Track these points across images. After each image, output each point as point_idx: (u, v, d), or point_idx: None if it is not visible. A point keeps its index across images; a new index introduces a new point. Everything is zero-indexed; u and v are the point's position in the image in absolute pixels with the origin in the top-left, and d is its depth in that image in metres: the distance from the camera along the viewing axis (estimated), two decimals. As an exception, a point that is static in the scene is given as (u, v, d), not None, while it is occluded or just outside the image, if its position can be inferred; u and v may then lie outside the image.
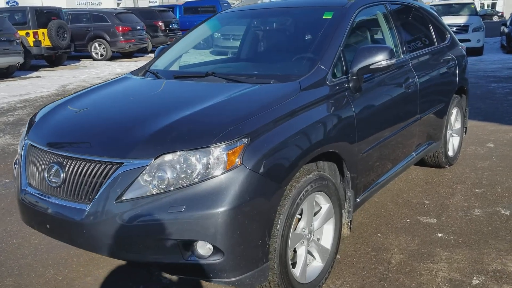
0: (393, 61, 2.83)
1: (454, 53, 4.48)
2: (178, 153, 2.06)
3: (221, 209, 1.99)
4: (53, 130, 2.48)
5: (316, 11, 3.32)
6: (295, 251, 2.54)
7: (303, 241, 2.53)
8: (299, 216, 2.48)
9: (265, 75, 2.83)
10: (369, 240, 3.23)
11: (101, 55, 17.31)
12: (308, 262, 2.67)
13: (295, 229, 2.49)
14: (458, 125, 4.75)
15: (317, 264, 2.68)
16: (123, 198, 2.05)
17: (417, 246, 3.12)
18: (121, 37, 16.95)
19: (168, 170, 2.05)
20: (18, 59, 12.72)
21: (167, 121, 2.22)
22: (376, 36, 3.55)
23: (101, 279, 2.83)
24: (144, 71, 3.34)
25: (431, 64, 3.99)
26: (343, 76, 2.85)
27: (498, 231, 3.27)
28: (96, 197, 2.10)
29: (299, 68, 2.87)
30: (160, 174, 2.05)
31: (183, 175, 2.05)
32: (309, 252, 2.65)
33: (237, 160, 2.07)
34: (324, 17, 3.17)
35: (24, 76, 13.05)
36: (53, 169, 2.26)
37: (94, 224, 2.09)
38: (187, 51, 3.69)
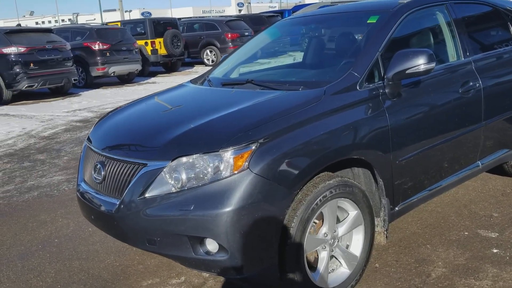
0: (432, 65, 2.72)
1: (542, 53, 4.05)
2: (193, 156, 2.25)
3: (223, 210, 2.14)
4: (102, 133, 2.84)
5: (363, 16, 3.28)
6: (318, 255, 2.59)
7: (325, 246, 2.56)
8: (316, 221, 2.51)
9: (297, 82, 2.90)
10: (416, 251, 3.11)
11: (212, 61, 18.35)
12: (335, 268, 2.69)
13: (316, 234, 2.54)
14: (549, 131, 4.28)
15: (343, 270, 2.68)
16: (145, 195, 2.30)
17: (466, 260, 2.93)
18: (230, 43, 17.78)
19: (182, 171, 2.25)
20: (137, 67, 14.07)
21: (189, 126, 2.42)
22: (431, 39, 3.39)
23: (151, 268, 3.13)
24: (203, 79, 3.59)
25: (505, 66, 3.67)
26: (379, 82, 2.81)
27: None
28: (125, 193, 2.37)
29: (331, 74, 2.89)
30: (176, 175, 2.26)
31: (195, 176, 2.23)
32: (335, 258, 2.67)
33: (244, 164, 2.19)
34: (368, 21, 3.13)
35: (141, 82, 14.40)
36: (97, 168, 2.60)
37: (122, 217, 2.37)
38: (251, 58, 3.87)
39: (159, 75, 16.27)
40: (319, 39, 3.63)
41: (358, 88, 2.72)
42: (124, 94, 11.77)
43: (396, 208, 2.91)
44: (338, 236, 2.62)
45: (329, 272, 2.63)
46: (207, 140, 2.30)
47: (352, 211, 2.66)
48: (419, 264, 2.94)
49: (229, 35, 17.85)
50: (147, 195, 2.30)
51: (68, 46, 11.84)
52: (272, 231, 2.25)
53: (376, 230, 2.88)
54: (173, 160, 2.27)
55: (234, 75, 3.71)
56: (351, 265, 2.68)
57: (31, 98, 11.61)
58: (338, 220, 2.68)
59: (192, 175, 2.24)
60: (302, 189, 2.41)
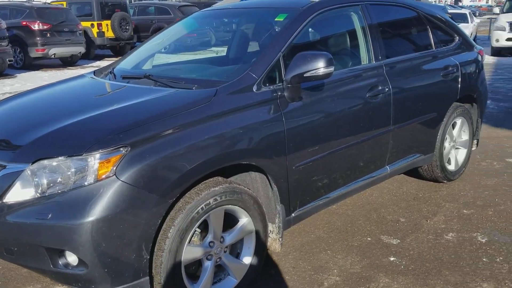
0: (331, 69, 2.62)
1: (459, 58, 4.06)
2: (55, 159, 2.06)
3: (82, 220, 1.96)
4: None
5: (274, 13, 3.15)
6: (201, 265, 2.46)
7: (210, 256, 2.43)
8: (198, 230, 2.38)
9: (194, 80, 2.74)
10: (316, 257, 3.04)
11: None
12: (222, 277, 2.57)
13: (201, 243, 2.41)
14: (465, 136, 4.33)
15: (230, 280, 2.57)
16: (3, 200, 2.09)
17: (361, 268, 2.89)
18: (182, 29, 17.35)
19: (43, 176, 2.05)
20: (80, 49, 13.50)
21: (57, 126, 2.22)
22: (342, 41, 3.31)
23: (35, 273, 2.91)
24: (108, 70, 3.36)
25: (418, 70, 3.64)
26: (279, 84, 2.69)
27: (460, 260, 2.94)
28: None
29: (230, 73, 2.74)
30: (37, 179, 2.06)
31: (57, 182, 2.05)
32: (222, 267, 2.55)
33: (111, 170, 2.02)
34: (276, 19, 3.00)
35: (85, 65, 13.84)
36: None
37: (-19, 222, 2.15)
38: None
39: (106, 58, 15.70)
40: (232, 34, 3.48)
41: (254, 90, 2.59)
42: (63, 78, 11.24)
43: (293, 215, 2.82)
44: (225, 244, 2.50)
45: (215, 283, 2.52)
46: (73, 142, 2.11)
47: (243, 218, 2.54)
48: (315, 272, 2.87)
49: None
50: (5, 200, 2.09)
51: (3, 24, 11.17)
52: (141, 243, 2.09)
53: (271, 237, 2.79)
54: (33, 163, 2.07)
55: (147, 66, 3.51)
56: (239, 274, 2.57)
57: (-39, 78, 10.91)
58: (230, 227, 2.56)
59: (54, 181, 2.05)
60: (184, 196, 2.28)
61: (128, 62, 3.47)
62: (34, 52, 12.47)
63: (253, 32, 3.32)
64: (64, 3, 15.71)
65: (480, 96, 4.37)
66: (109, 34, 15.37)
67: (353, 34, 3.31)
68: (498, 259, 2.93)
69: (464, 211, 3.66)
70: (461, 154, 4.34)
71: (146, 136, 2.13)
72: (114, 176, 2.02)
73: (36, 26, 12.37)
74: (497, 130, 5.98)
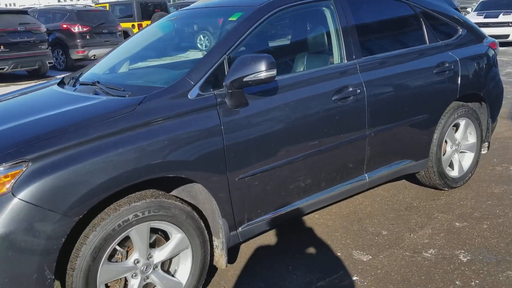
0: (273, 73, 2.39)
1: (460, 53, 3.66)
2: None
3: (-25, 240, 1.89)
4: None
5: (233, 12, 2.95)
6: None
7: (136, 274, 2.30)
8: (119, 248, 2.25)
9: (133, 87, 2.60)
10: (274, 273, 2.83)
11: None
12: (154, 297, 2.44)
13: (126, 260, 2.29)
14: (471, 139, 3.92)
15: (163, 300, 2.42)
16: None
17: (317, 289, 2.65)
18: (223, 26, 17.39)
19: None
20: (119, 50, 13.81)
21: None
22: (307, 39, 3.05)
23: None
24: (73, 75, 3.31)
25: (402, 68, 3.29)
26: (221, 90, 2.50)
27: (430, 283, 2.62)
28: None
29: (168, 79, 2.59)
30: None
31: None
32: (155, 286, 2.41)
33: (7, 187, 1.94)
34: (230, 18, 2.81)
35: (125, 66, 14.16)
36: None
37: None
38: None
39: (147, 58, 16.02)
40: (195, 36, 3.32)
41: (190, 96, 2.42)
42: (98, 79, 11.54)
43: (239, 229, 2.63)
44: (154, 262, 2.35)
45: (144, 302, 2.39)
46: (-27, 157, 2.04)
47: (176, 234, 2.39)
48: (267, 291, 2.67)
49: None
50: None
51: (43, 28, 11.62)
52: (43, 263, 1.98)
53: (216, 252, 2.61)
54: None
55: (123, 69, 3.43)
56: (172, 293, 2.43)
57: (7, 81, 11.48)
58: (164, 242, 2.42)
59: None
60: (101, 212, 2.16)
61: (102, 66, 3.39)
62: (75, 54, 12.91)
63: (211, 33, 3.14)
64: (107, 5, 16.20)
65: (490, 94, 3.93)
66: (150, 34, 15.65)
67: (321, 32, 3.05)
68: (473, 283, 2.58)
69: (456, 223, 3.29)
70: (467, 158, 3.93)
71: (51, 150, 2.02)
72: (11, 194, 1.93)
73: (76, 29, 12.79)
74: (527, 129, 5.43)
